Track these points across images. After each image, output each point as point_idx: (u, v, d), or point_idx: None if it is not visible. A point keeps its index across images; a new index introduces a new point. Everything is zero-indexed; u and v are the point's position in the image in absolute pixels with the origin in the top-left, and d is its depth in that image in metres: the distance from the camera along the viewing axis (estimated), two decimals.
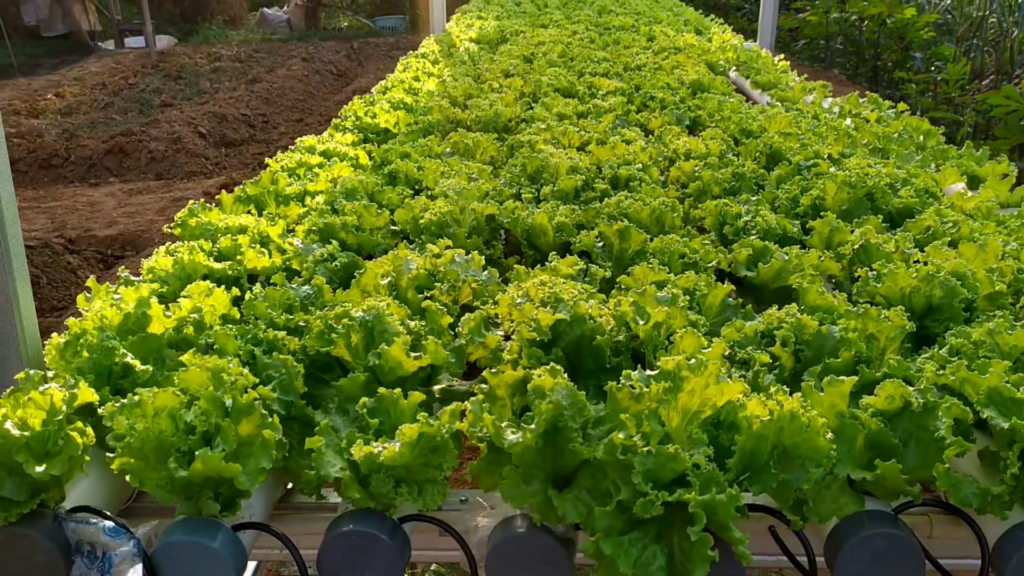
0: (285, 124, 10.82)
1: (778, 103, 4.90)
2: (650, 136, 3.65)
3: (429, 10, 7.27)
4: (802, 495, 1.45)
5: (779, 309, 1.84)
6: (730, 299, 2.02)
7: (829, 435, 1.41)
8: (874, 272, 2.02)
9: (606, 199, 2.58)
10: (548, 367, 1.46)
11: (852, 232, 2.43)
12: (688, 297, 1.91)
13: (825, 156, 3.18)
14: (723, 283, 1.98)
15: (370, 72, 14.02)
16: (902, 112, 4.38)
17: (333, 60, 14.52)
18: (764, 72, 5.57)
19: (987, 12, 11.24)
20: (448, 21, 8.01)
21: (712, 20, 9.16)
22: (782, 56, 6.74)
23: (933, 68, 10.15)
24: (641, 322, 1.69)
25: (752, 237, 2.39)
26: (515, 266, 2.09)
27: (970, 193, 3.34)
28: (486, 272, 2.13)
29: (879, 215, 2.70)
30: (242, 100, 11.32)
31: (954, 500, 1.43)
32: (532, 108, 4.10)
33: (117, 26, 16.07)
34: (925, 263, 2.11)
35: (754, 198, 2.64)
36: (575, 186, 2.72)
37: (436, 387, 1.75)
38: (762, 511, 1.47)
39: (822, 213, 2.51)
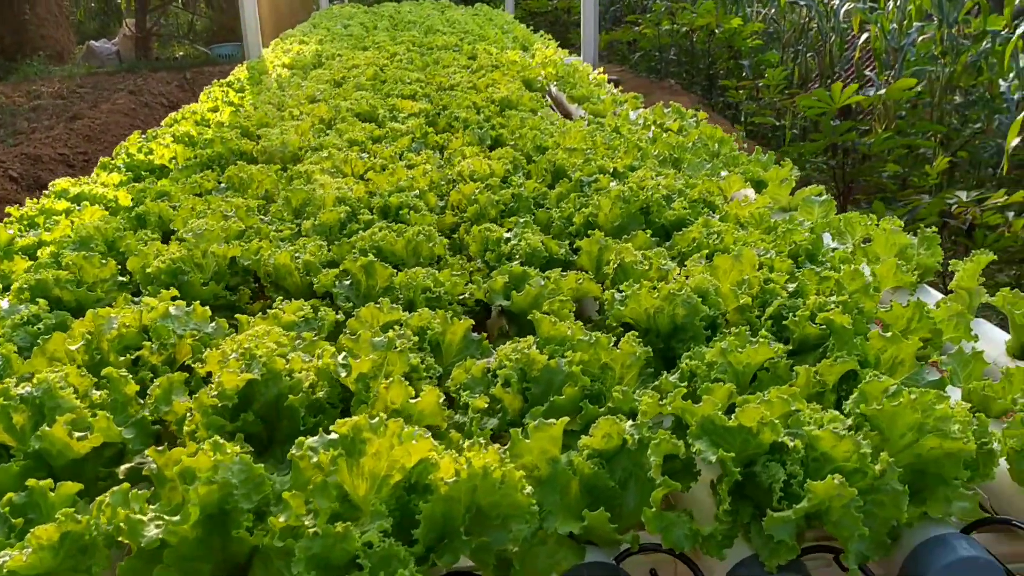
0: None
1: (591, 116, 4.88)
2: (444, 158, 3.52)
3: (243, 36, 6.97)
4: (510, 555, 1.32)
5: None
6: (474, 335, 1.88)
7: (528, 489, 1.28)
8: (621, 293, 1.93)
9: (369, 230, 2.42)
10: (212, 441, 1.27)
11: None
12: (419, 337, 1.77)
13: (610, 170, 3.13)
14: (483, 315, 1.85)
15: None
16: (701, 120, 4.43)
17: (164, 91, 13.88)
18: (579, 86, 5.57)
19: (809, 19, 11.80)
20: (266, 47, 7.71)
21: (541, 36, 9.21)
22: (601, 69, 6.80)
23: (761, 74, 10.53)
24: (344, 373, 1.52)
25: (514, 262, 2.27)
26: (239, 316, 1.89)
27: (752, 198, 3.37)
28: (213, 324, 1.92)
29: (651, 229, 2.64)
30: (60, 139, 10.62)
31: (666, 544, 1.32)
32: (327, 135, 3.90)
33: None
34: (687, 277, 2.04)
35: (523, 220, 2.54)
36: (339, 219, 2.55)
37: (122, 467, 1.54)
38: None
39: (590, 232, 2.43)
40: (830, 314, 1.76)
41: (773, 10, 13.02)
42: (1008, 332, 2.11)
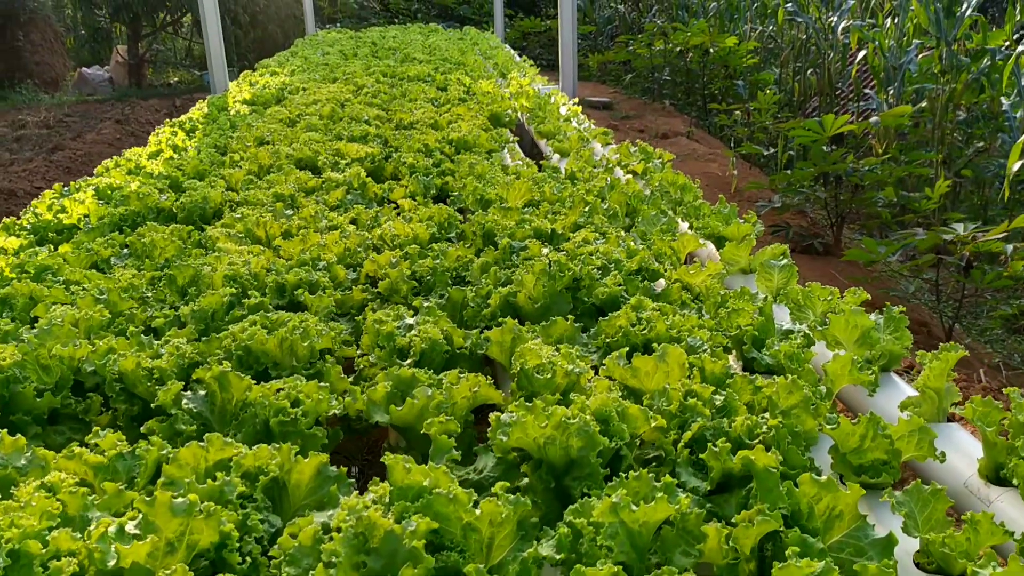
0: None
1: (557, 153, 4.59)
2: (371, 217, 3.21)
3: (208, 68, 6.70)
4: None
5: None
6: (332, 470, 1.56)
7: None
8: (509, 416, 1.60)
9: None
10: None
11: (538, 340, 2.03)
12: (250, 483, 1.45)
13: (548, 232, 2.81)
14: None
15: None
16: (667, 162, 4.12)
17: (153, 120, 13.67)
18: (548, 120, 5.26)
19: (808, 36, 11.51)
20: (235, 80, 7.44)
21: (523, 61, 8.93)
22: (576, 100, 6.49)
23: (757, 94, 10.21)
24: (112, 561, 1.20)
25: (406, 363, 1.96)
26: (71, 447, 1.58)
27: (712, 255, 3.05)
28: (28, 455, 1.61)
29: (581, 309, 2.32)
30: (38, 172, 10.40)
31: None
32: (258, 186, 3.60)
33: None
34: (588, 397, 1.72)
35: (429, 302, 2.22)
36: (223, 303, 2.24)
37: None
38: None
39: (502, 319, 2.10)
40: (751, 453, 1.43)
41: (772, 27, 12.74)
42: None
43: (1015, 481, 1.55)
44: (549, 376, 1.78)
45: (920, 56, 9.24)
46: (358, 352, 2.14)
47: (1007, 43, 8.28)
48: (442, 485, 1.40)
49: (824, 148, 6.89)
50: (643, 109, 12.13)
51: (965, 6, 9.00)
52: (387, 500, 1.38)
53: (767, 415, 1.63)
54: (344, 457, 2.21)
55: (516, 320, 2.24)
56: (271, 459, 1.48)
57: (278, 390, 1.71)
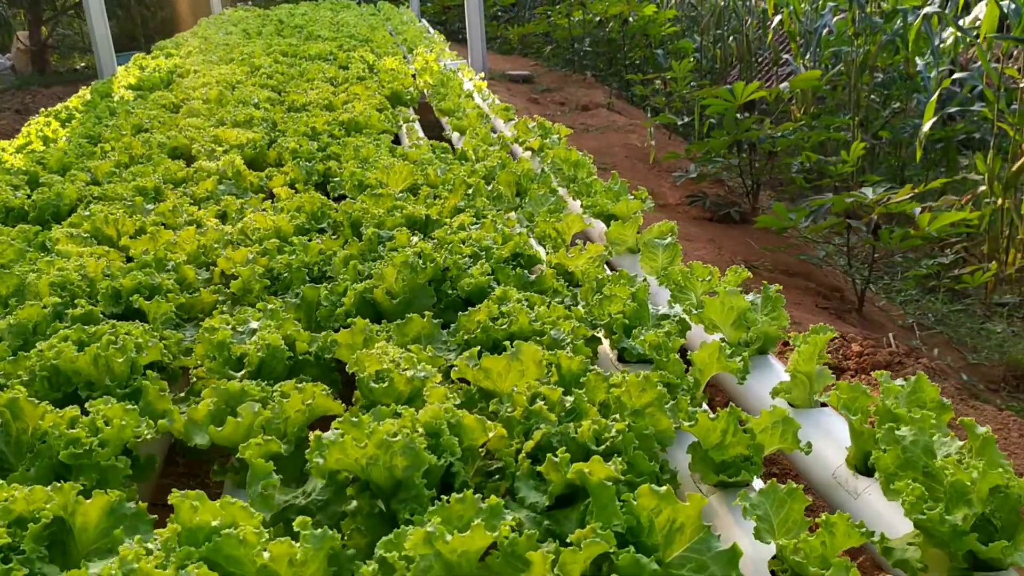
0: None
1: (455, 131, 4.41)
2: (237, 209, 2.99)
3: (94, 52, 6.33)
4: None
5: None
6: (130, 506, 1.38)
7: None
8: (329, 436, 1.44)
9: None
10: None
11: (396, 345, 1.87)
12: (15, 534, 1.26)
13: (422, 219, 2.64)
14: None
15: None
16: (563, 136, 3.97)
17: None
18: (448, 97, 5.07)
19: (725, 3, 11.46)
20: (127, 62, 7.06)
21: (435, 36, 8.69)
22: (483, 75, 6.31)
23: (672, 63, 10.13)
24: None
25: (239, 375, 1.78)
26: None
27: (600, 233, 2.92)
28: None
29: (445, 303, 2.17)
30: None
31: None
32: (121, 179, 3.35)
33: None
34: (418, 409, 1.56)
35: (270, 307, 2.03)
36: (44, 315, 2.02)
37: None
38: None
39: (349, 321, 1.93)
40: (586, 465, 1.30)
41: None
42: None
43: (877, 475, 1.44)
44: (387, 384, 1.62)
45: (835, 19, 9.25)
46: (196, 364, 1.95)
47: (924, 6, 8.31)
48: (240, 521, 1.24)
49: (737, 116, 6.83)
50: (564, 81, 11.96)
51: None
52: (174, 544, 1.22)
53: (616, 418, 1.50)
54: (191, 480, 2.02)
55: (376, 318, 2.08)
56: (47, 501, 1.30)
57: (73, 417, 1.51)
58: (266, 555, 1.17)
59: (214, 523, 1.21)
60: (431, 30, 10.25)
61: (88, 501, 1.31)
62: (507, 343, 1.80)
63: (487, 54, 15.13)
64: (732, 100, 6.72)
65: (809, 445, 1.61)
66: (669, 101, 9.27)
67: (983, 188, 5.81)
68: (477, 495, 1.28)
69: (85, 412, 1.58)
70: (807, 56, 9.81)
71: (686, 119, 7.87)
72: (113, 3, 16.26)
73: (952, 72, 7.59)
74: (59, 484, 1.33)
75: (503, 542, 1.23)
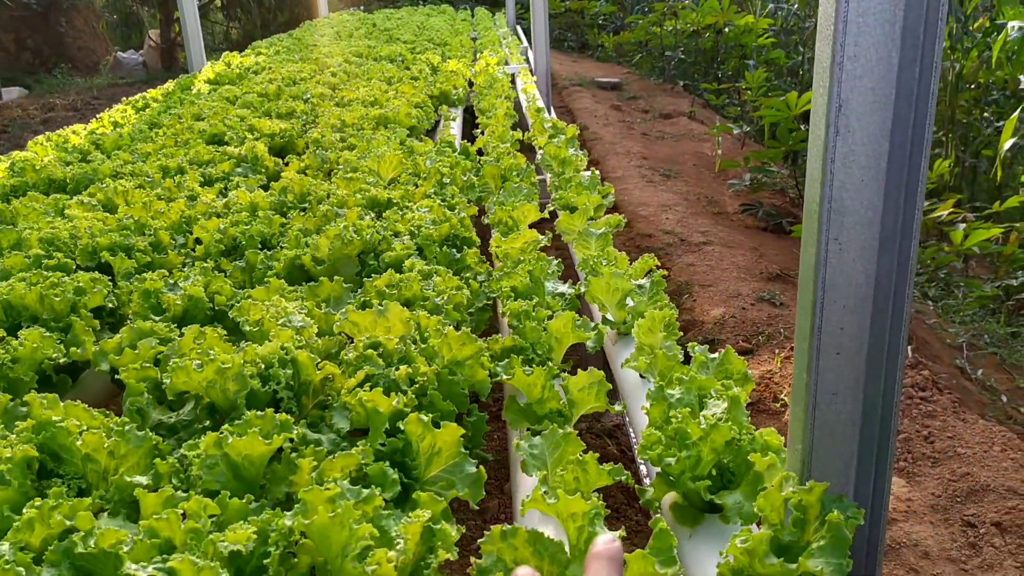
0: None
1: (484, 131, 4.65)
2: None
3: (185, 48, 6.91)
4: None
5: None
6: None
7: None
8: (174, 362, 1.70)
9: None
10: None
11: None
12: None
13: (384, 200, 2.91)
14: None
15: None
16: (570, 137, 4.16)
17: None
18: (486, 97, 5.33)
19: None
20: (215, 59, 7.64)
21: (515, 41, 8.97)
22: (534, 79, 6.53)
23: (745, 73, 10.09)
24: None
25: (158, 319, 2.07)
26: None
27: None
28: None
29: (368, 271, 2.42)
30: None
31: None
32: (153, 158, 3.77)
33: None
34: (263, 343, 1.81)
35: (206, 266, 2.33)
36: (24, 263, 2.38)
37: None
38: None
39: (271, 280, 2.21)
40: (368, 396, 1.52)
41: (795, 6, 12.53)
42: None
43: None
44: (258, 329, 1.89)
45: None
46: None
47: None
48: (83, 421, 1.52)
49: (794, 126, 6.82)
50: (653, 90, 12.03)
51: None
52: (28, 435, 1.51)
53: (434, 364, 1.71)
54: None
55: (307, 282, 2.35)
56: None
57: (2, 339, 1.84)
58: (80, 443, 1.44)
59: (55, 419, 1.50)
60: (522, 37, 10.55)
61: None
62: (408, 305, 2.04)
63: (582, 61, 15.25)
64: (787, 110, 6.72)
65: (624, 406, 1.77)
66: (744, 110, 9.25)
67: None
68: (279, 413, 1.53)
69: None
70: None
71: (745, 128, 7.86)
72: (235, 5, 17.32)
73: None
74: None
75: (286, 450, 1.47)
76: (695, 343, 1.81)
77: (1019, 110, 7.31)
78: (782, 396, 3.24)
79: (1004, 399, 4.56)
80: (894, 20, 1.12)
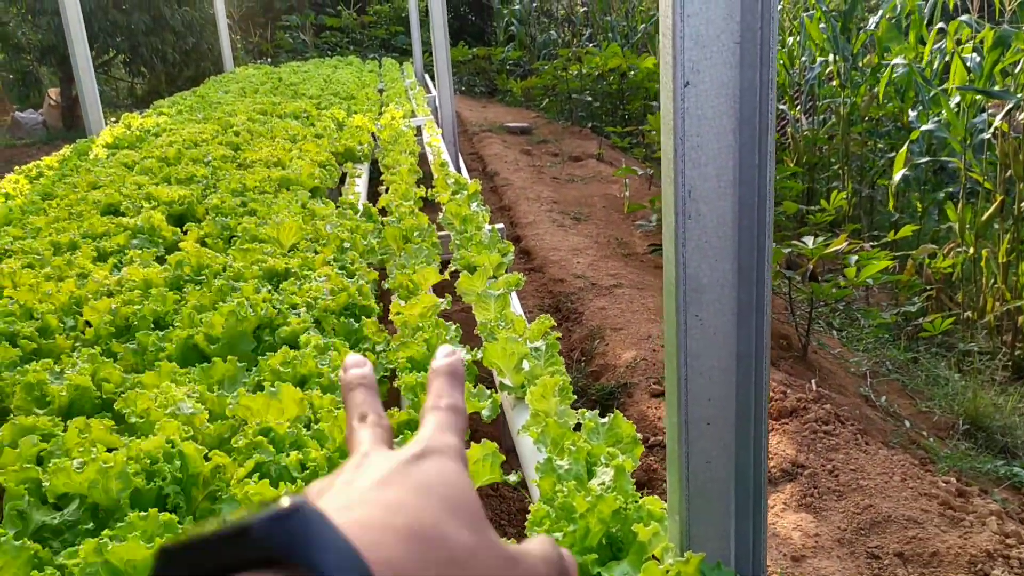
0: None
1: (389, 188, 4.67)
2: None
3: (82, 111, 6.77)
4: None
5: None
6: None
7: None
8: (55, 462, 1.67)
9: None
10: None
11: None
12: None
13: (282, 270, 2.89)
14: None
15: None
16: (472, 193, 4.21)
17: None
18: (390, 154, 5.36)
19: None
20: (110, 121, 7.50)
21: (420, 92, 9.05)
22: (440, 132, 6.60)
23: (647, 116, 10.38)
24: None
25: (42, 413, 2.02)
26: None
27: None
28: None
29: (264, 348, 2.40)
30: None
31: None
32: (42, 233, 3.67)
33: None
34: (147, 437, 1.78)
35: (91, 352, 2.28)
36: None
37: None
38: None
39: (157, 364, 2.18)
40: (258, 486, 1.50)
41: None
42: None
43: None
44: (144, 420, 1.85)
45: (823, 71, 9.49)
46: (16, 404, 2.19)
47: (916, 57, 8.44)
48: None
49: None
50: (562, 133, 12.26)
51: (863, 24, 9.25)
52: None
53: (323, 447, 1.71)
54: None
55: (202, 362, 2.31)
56: None
57: None
58: None
59: None
60: (430, 86, 10.65)
61: None
62: (303, 384, 2.02)
63: (491, 105, 15.42)
64: None
65: (520, 476, 1.80)
66: (649, 151, 9.50)
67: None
68: (164, 512, 1.50)
69: None
70: (797, 107, 10.01)
71: (650, 170, 8.07)
72: (139, 62, 17.04)
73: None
74: None
75: None
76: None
77: (906, 143, 7.71)
78: None
79: (907, 424, 4.74)
80: (732, 112, 1.19)
